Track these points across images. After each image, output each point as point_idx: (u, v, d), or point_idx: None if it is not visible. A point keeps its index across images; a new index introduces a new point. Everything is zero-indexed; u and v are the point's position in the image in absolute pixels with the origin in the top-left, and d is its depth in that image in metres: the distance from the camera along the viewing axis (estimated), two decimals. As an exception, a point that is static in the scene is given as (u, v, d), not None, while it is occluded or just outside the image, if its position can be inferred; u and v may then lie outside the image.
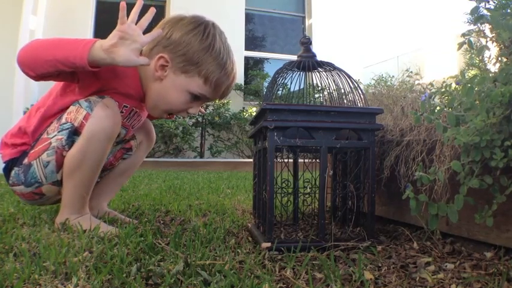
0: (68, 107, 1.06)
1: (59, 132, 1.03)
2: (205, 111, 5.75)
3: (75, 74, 1.01)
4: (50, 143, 1.03)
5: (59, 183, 1.06)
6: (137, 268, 0.67)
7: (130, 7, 1.13)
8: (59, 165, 1.03)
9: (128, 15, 0.95)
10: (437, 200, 0.82)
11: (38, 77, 0.95)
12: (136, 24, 0.94)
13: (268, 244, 0.84)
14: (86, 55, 0.90)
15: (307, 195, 1.12)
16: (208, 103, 5.70)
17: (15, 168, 1.07)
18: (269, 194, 0.88)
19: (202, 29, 1.05)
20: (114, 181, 1.28)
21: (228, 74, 1.09)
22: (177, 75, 1.05)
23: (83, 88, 1.05)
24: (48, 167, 1.03)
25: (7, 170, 1.09)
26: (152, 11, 0.96)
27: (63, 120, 1.03)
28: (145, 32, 0.95)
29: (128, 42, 0.92)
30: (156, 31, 0.98)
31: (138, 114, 1.18)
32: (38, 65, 0.93)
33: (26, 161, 1.06)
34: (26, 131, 1.10)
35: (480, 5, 0.68)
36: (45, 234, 0.94)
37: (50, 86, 1.15)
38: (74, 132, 1.01)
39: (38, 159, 1.04)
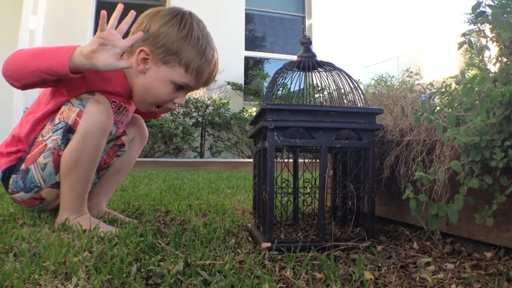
0: (59, 109, 1.06)
1: (53, 132, 1.03)
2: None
3: (59, 81, 1.01)
4: (46, 144, 1.03)
5: (58, 185, 1.06)
6: (137, 268, 0.67)
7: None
8: (57, 166, 1.04)
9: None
10: (437, 200, 0.82)
11: (24, 86, 0.97)
12: (116, 28, 0.95)
13: (268, 244, 0.84)
14: (67, 62, 0.91)
15: (307, 195, 1.12)
16: (207, 103, 5.71)
17: (13, 176, 1.07)
18: (269, 194, 0.88)
19: (179, 19, 1.07)
20: (111, 180, 1.28)
21: (209, 60, 1.09)
22: (159, 67, 1.06)
23: (71, 91, 1.06)
24: (45, 169, 1.04)
25: (5, 179, 1.09)
26: (132, 14, 0.97)
27: (56, 121, 1.04)
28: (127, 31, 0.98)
29: (108, 48, 0.93)
30: (136, 34, 0.99)
31: (126, 110, 1.19)
32: (23, 76, 0.94)
33: (23, 166, 1.06)
34: (20, 138, 1.10)
35: (482, 0, 0.68)
36: (45, 234, 0.94)
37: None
38: (69, 131, 1.02)
39: (35, 163, 1.04)
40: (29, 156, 1.06)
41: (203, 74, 1.10)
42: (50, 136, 1.03)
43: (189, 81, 1.09)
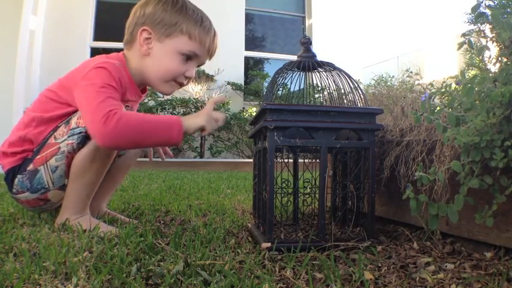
0: (71, 111, 1.06)
1: (69, 137, 1.03)
2: None
3: None
4: (59, 147, 1.03)
5: (65, 187, 1.06)
6: (137, 268, 0.67)
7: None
8: (69, 169, 1.04)
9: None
10: (437, 200, 0.82)
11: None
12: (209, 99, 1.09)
13: (268, 244, 0.84)
14: (181, 138, 0.99)
15: (307, 196, 1.12)
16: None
17: (19, 176, 1.06)
18: (269, 194, 0.88)
19: None
20: (111, 180, 1.28)
21: (207, 29, 1.12)
22: (163, 42, 1.09)
23: None
24: (56, 171, 1.04)
25: (9, 179, 1.08)
26: (222, 99, 1.12)
27: (73, 125, 1.04)
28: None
29: (212, 123, 1.04)
30: (219, 98, 1.10)
31: (131, 109, 1.20)
32: (134, 147, 1.10)
33: (31, 167, 1.05)
34: (27, 138, 1.08)
35: (481, 1, 0.68)
36: (45, 234, 0.94)
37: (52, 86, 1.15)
38: (88, 137, 1.03)
39: (45, 165, 1.04)
40: (38, 157, 1.05)
41: (205, 42, 1.12)
42: (65, 140, 1.03)
43: (195, 48, 1.10)
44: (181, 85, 1.17)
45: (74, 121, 1.04)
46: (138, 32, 1.09)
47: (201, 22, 1.11)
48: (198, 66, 1.19)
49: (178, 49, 1.09)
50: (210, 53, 1.16)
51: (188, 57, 1.11)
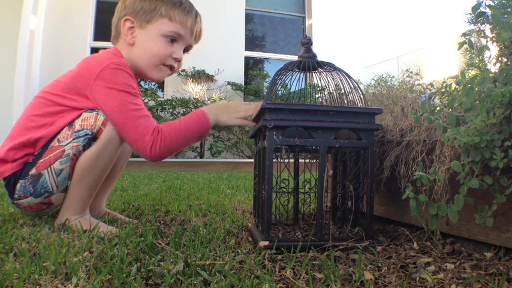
0: (75, 116, 1.04)
1: (73, 139, 1.02)
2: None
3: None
4: (64, 150, 1.02)
5: (67, 189, 1.05)
6: (137, 268, 0.67)
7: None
8: (73, 172, 1.04)
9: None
10: (437, 200, 0.82)
11: None
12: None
13: (266, 243, 0.84)
14: (210, 129, 1.11)
15: (306, 195, 1.12)
16: (207, 103, 5.70)
17: (21, 181, 1.04)
18: (267, 193, 0.88)
19: None
20: (109, 179, 1.27)
21: (187, 10, 1.16)
22: (145, 28, 1.13)
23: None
24: (61, 175, 1.03)
25: (9, 185, 1.06)
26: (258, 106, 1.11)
27: (78, 128, 1.03)
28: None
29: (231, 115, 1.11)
30: (259, 104, 1.11)
31: None
32: (181, 149, 1.11)
33: (33, 171, 1.03)
34: (30, 142, 1.06)
35: (481, 1, 0.68)
36: (45, 234, 0.94)
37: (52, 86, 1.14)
38: (93, 139, 1.03)
39: (49, 168, 1.02)
40: (41, 161, 1.03)
41: (187, 22, 1.15)
42: (69, 143, 1.02)
43: (176, 29, 1.13)
44: (171, 68, 1.19)
45: (78, 124, 1.03)
46: (121, 23, 1.13)
47: (180, 4, 1.14)
48: (187, 50, 1.22)
49: (160, 32, 1.12)
50: (194, 34, 1.18)
51: (172, 40, 1.14)
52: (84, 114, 1.04)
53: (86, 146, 1.03)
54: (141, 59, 1.13)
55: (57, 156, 1.02)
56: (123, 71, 1.05)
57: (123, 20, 1.13)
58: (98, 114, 1.03)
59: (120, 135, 1.05)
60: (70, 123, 1.04)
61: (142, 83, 6.17)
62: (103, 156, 1.04)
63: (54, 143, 1.04)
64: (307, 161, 1.20)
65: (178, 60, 1.17)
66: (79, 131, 1.02)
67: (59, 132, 1.05)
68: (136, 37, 1.13)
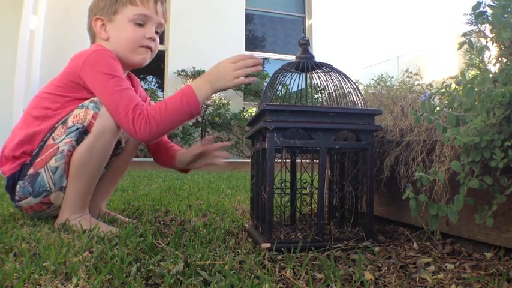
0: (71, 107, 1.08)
1: (66, 135, 1.04)
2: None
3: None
4: (58, 147, 1.03)
5: (65, 189, 1.06)
6: (137, 268, 0.67)
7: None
8: (68, 168, 1.04)
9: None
10: (437, 201, 0.82)
11: None
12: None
13: (268, 244, 0.84)
14: (200, 109, 1.08)
15: (306, 196, 1.12)
16: (207, 103, 5.70)
17: (20, 182, 1.06)
18: (268, 195, 0.87)
19: None
20: (110, 179, 1.28)
21: None
22: (113, 20, 1.17)
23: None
24: (57, 172, 1.04)
25: (10, 187, 1.08)
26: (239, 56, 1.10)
27: (70, 124, 1.05)
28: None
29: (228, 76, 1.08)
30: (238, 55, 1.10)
31: None
32: (169, 131, 1.11)
33: (31, 171, 1.05)
34: (27, 137, 1.08)
35: (482, 0, 0.68)
36: (45, 234, 0.94)
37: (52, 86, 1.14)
38: (84, 132, 1.04)
39: (45, 167, 1.04)
40: (38, 160, 1.05)
41: (149, 3, 1.18)
42: (63, 139, 1.04)
43: (140, 11, 1.17)
44: (150, 48, 1.21)
45: (70, 120, 1.05)
46: (93, 24, 1.18)
47: None
48: (159, 30, 1.24)
49: (127, 18, 1.16)
50: (159, 13, 1.21)
51: (141, 24, 1.17)
52: (76, 111, 1.06)
53: (79, 141, 1.04)
54: (119, 47, 1.17)
55: (52, 153, 1.04)
56: (108, 55, 1.08)
57: (93, 20, 1.18)
58: (87, 108, 1.05)
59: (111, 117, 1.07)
60: (63, 121, 1.07)
61: (142, 83, 6.16)
62: (96, 148, 1.04)
63: (50, 141, 1.06)
64: (306, 161, 1.20)
65: (153, 40, 1.20)
66: (71, 127, 1.04)
67: (53, 130, 1.07)
68: (109, 31, 1.17)
